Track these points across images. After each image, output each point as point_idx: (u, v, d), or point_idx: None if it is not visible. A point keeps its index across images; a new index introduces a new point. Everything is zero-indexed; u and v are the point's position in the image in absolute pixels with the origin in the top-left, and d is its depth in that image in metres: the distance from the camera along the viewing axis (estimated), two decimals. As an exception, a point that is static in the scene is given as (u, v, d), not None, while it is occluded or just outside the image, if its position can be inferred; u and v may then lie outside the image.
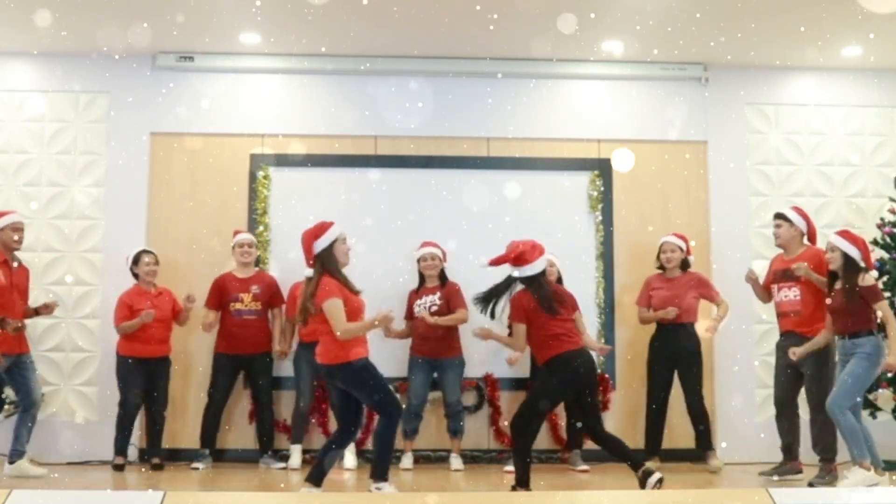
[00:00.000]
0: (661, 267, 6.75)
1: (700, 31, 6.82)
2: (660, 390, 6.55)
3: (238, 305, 6.76)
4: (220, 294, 6.79)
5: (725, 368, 7.17)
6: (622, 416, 7.21)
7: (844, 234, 5.54)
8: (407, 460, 6.64)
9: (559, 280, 6.72)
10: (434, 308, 6.68)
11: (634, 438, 7.15)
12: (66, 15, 6.51)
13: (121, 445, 6.47)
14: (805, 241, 6.15)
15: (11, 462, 5.92)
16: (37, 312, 6.30)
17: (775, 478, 5.87)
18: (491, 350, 7.08)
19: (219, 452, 6.80)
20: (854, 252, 5.45)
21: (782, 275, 6.07)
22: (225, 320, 6.77)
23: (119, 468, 6.36)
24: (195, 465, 6.51)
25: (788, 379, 5.98)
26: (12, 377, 6.04)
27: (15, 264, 6.13)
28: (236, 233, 6.99)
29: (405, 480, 6.03)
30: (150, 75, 7.33)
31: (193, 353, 7.04)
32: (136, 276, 6.69)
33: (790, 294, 6.01)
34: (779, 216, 6.17)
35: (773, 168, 7.53)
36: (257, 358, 6.76)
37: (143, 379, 6.51)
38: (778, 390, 6.07)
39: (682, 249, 6.65)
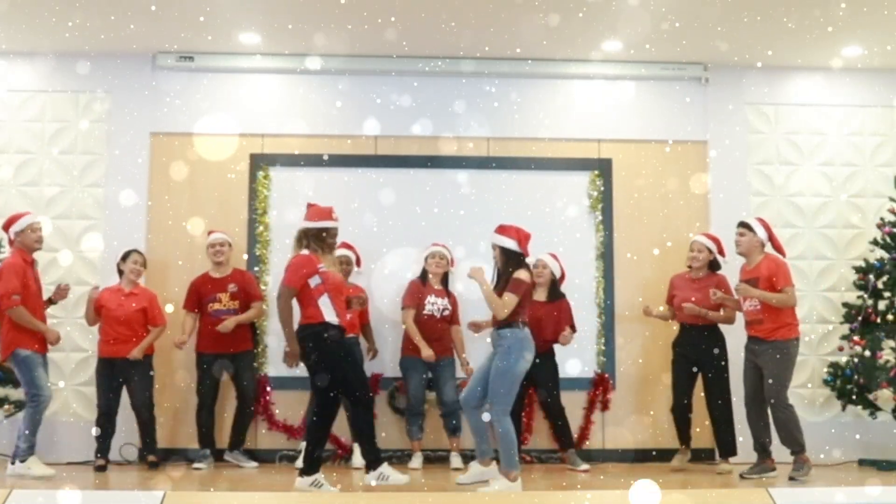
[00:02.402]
0: (688, 266, 6.70)
1: (700, 31, 6.83)
2: (683, 393, 6.49)
3: (216, 306, 6.74)
4: (198, 296, 6.79)
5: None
6: (622, 416, 7.21)
7: (500, 230, 5.45)
8: (416, 460, 6.66)
9: (554, 282, 6.71)
10: (447, 313, 6.72)
11: (634, 438, 7.18)
12: (66, 15, 6.51)
13: (100, 446, 6.43)
14: (768, 249, 6.15)
15: (23, 460, 5.91)
16: (51, 302, 6.29)
17: (753, 478, 5.88)
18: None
19: (218, 452, 6.79)
20: (510, 244, 5.39)
21: (745, 284, 6.11)
22: (204, 321, 6.76)
23: (101, 469, 6.34)
24: (196, 465, 6.51)
25: (754, 378, 6.08)
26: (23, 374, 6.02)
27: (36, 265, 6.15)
28: (210, 232, 6.96)
29: (411, 479, 6.02)
30: (150, 75, 7.32)
31: (192, 352, 7.03)
32: (120, 273, 6.69)
33: (752, 304, 6.07)
34: (743, 225, 6.17)
35: (773, 168, 7.53)
36: (239, 356, 6.76)
37: (115, 380, 6.48)
38: (746, 389, 6.15)
39: (710, 250, 6.55)
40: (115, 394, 6.50)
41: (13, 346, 5.93)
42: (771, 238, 6.14)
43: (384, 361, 7.04)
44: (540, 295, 6.68)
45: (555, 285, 6.72)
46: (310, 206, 5.44)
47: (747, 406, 6.13)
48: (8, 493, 4.33)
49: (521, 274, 5.34)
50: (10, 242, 6.10)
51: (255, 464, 6.71)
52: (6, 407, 6.71)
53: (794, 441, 5.89)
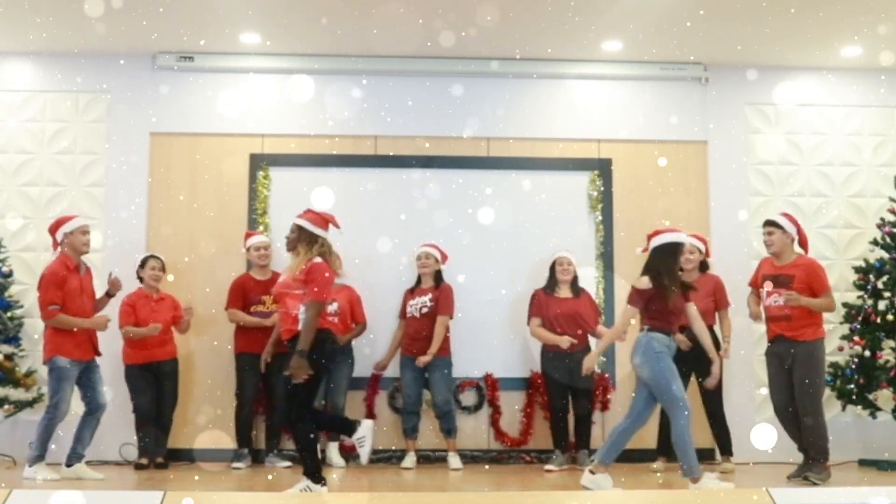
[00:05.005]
0: (680, 269, 6.68)
1: (700, 31, 6.83)
2: None
3: (260, 308, 6.77)
4: (243, 296, 6.80)
5: (725, 368, 7.15)
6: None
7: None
8: (409, 460, 6.66)
9: (576, 278, 6.76)
10: (424, 310, 6.71)
11: (634, 438, 7.16)
12: (66, 15, 6.51)
13: (143, 446, 6.50)
14: (796, 247, 6.00)
15: (69, 465, 5.92)
16: (109, 295, 6.22)
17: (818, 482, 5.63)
18: (490, 350, 7.08)
19: (218, 452, 6.80)
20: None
21: (774, 280, 5.93)
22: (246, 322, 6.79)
23: (141, 467, 6.40)
24: (235, 464, 6.55)
25: (784, 383, 5.88)
26: (80, 381, 6.00)
27: (83, 269, 6.09)
28: (248, 235, 6.97)
29: (406, 480, 6.03)
30: (150, 75, 7.32)
31: (201, 355, 7.04)
32: (140, 279, 6.71)
33: (780, 299, 5.84)
34: (770, 223, 5.98)
35: (773, 168, 7.53)
36: (276, 358, 6.72)
37: (151, 383, 6.55)
38: (775, 396, 5.96)
39: (700, 251, 6.54)
40: (151, 397, 6.55)
41: (54, 351, 5.86)
42: (799, 233, 5.96)
43: (376, 361, 7.03)
44: (565, 291, 6.70)
45: (576, 281, 6.77)
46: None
47: (781, 415, 5.92)
48: (8, 494, 4.33)
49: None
50: (56, 245, 6.01)
51: (287, 463, 6.69)
52: (6, 407, 6.71)
53: (822, 450, 5.74)
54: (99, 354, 6.10)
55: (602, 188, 7.41)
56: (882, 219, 7.12)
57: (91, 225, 7.06)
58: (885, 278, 6.91)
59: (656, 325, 5.30)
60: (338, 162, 7.34)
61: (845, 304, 7.10)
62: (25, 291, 6.98)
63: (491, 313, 7.15)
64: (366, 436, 5.08)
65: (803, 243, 6.03)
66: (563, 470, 6.51)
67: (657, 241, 5.43)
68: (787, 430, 5.96)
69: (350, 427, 5.17)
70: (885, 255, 6.96)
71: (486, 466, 6.81)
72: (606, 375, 7.21)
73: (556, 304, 6.67)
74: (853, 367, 6.90)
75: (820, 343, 5.89)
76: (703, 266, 6.60)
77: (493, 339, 7.12)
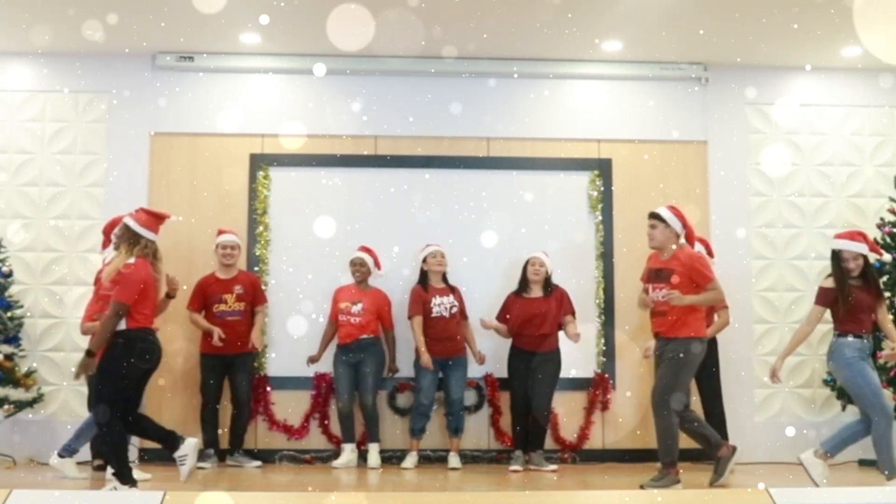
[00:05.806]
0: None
1: (700, 31, 6.83)
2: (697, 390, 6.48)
3: (221, 307, 6.75)
4: (203, 296, 6.79)
5: (725, 368, 7.15)
6: (622, 416, 7.20)
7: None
8: (410, 460, 6.66)
9: (548, 279, 6.71)
10: (454, 310, 6.74)
11: (634, 438, 7.18)
12: (65, 15, 6.51)
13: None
14: (681, 241, 5.69)
15: (61, 456, 5.91)
16: (168, 297, 5.83)
17: (655, 491, 5.07)
18: (490, 350, 7.08)
19: (221, 452, 6.79)
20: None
21: (656, 275, 5.66)
22: (209, 321, 6.75)
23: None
24: (200, 464, 6.51)
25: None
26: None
27: None
28: (220, 232, 6.93)
29: (407, 479, 6.03)
30: (150, 75, 7.33)
31: (192, 355, 7.03)
32: None
33: (659, 295, 5.54)
34: (653, 216, 5.67)
35: (773, 168, 7.53)
36: (240, 357, 6.76)
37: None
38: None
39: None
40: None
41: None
42: (686, 227, 5.67)
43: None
44: (536, 292, 6.69)
45: (548, 282, 6.74)
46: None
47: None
48: (8, 494, 4.32)
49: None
50: (107, 244, 5.95)
51: (257, 463, 6.72)
52: (6, 407, 6.70)
53: (667, 451, 5.45)
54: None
55: (602, 188, 7.41)
56: (882, 219, 7.12)
57: (91, 225, 7.13)
58: (885, 278, 6.90)
59: (844, 329, 5.48)
60: (338, 162, 7.34)
61: (845, 304, 7.09)
62: (25, 291, 6.99)
63: (491, 313, 7.14)
64: (188, 454, 5.04)
65: (690, 239, 5.72)
66: (528, 470, 6.48)
67: (833, 245, 5.67)
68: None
69: (174, 442, 5.08)
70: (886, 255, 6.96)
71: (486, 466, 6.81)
72: (606, 375, 7.21)
73: (520, 305, 6.66)
74: (853, 367, 6.88)
75: (694, 342, 5.44)
76: None
77: (492, 339, 7.10)
